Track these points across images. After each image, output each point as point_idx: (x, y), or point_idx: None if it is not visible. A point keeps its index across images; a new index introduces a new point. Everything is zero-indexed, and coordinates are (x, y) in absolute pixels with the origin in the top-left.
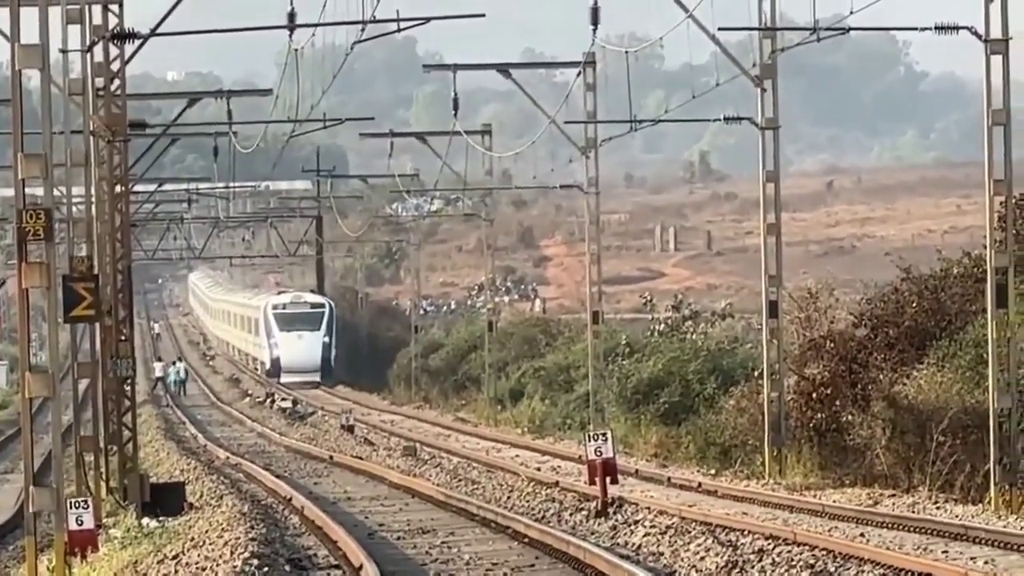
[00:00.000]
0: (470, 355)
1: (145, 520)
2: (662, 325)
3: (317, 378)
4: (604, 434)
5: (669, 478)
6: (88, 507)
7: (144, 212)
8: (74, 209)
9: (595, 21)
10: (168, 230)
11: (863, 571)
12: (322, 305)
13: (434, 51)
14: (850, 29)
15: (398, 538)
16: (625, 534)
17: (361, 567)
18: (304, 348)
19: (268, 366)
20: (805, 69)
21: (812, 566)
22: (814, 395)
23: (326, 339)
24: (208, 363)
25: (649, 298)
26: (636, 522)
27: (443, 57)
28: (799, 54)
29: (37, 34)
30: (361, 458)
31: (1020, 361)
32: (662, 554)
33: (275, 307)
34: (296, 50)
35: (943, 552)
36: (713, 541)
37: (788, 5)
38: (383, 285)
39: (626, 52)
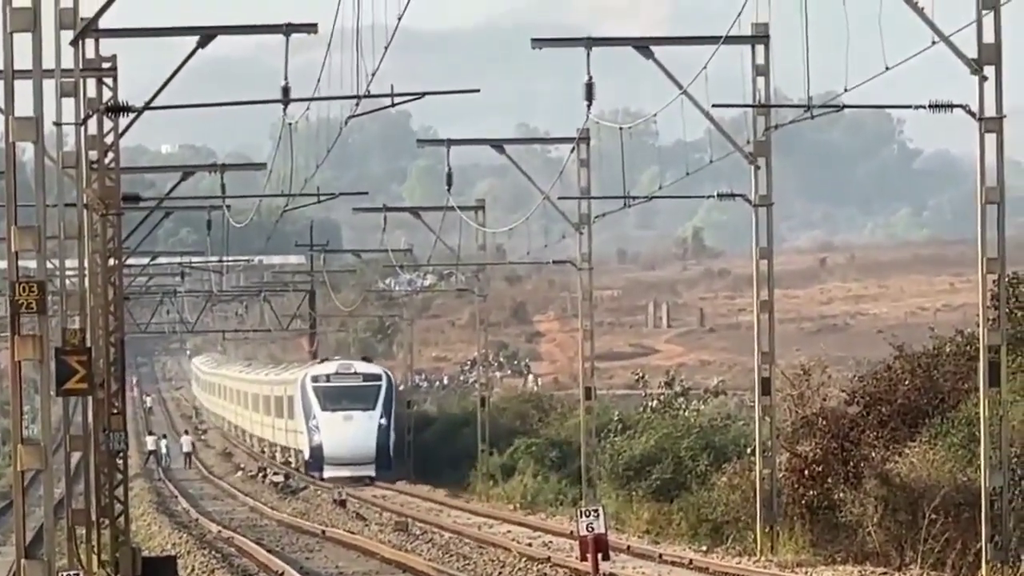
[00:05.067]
0: (463, 430)
1: None
2: (654, 401)
3: (371, 472)
4: (596, 510)
5: (661, 555)
6: None
7: (137, 285)
8: (67, 282)
9: (589, 97)
10: (161, 303)
11: None
12: (377, 376)
13: (428, 126)
14: (844, 107)
15: None
16: None
17: None
18: (354, 433)
19: (307, 456)
20: (799, 146)
21: None
22: (806, 472)
23: (383, 421)
24: (200, 437)
25: (641, 374)
26: None
27: (437, 132)
28: (793, 131)
29: (31, 107)
30: (353, 532)
31: (1012, 439)
32: None
33: (315, 379)
34: (290, 124)
35: None
36: None
37: (782, 82)
38: (376, 359)
39: (620, 128)
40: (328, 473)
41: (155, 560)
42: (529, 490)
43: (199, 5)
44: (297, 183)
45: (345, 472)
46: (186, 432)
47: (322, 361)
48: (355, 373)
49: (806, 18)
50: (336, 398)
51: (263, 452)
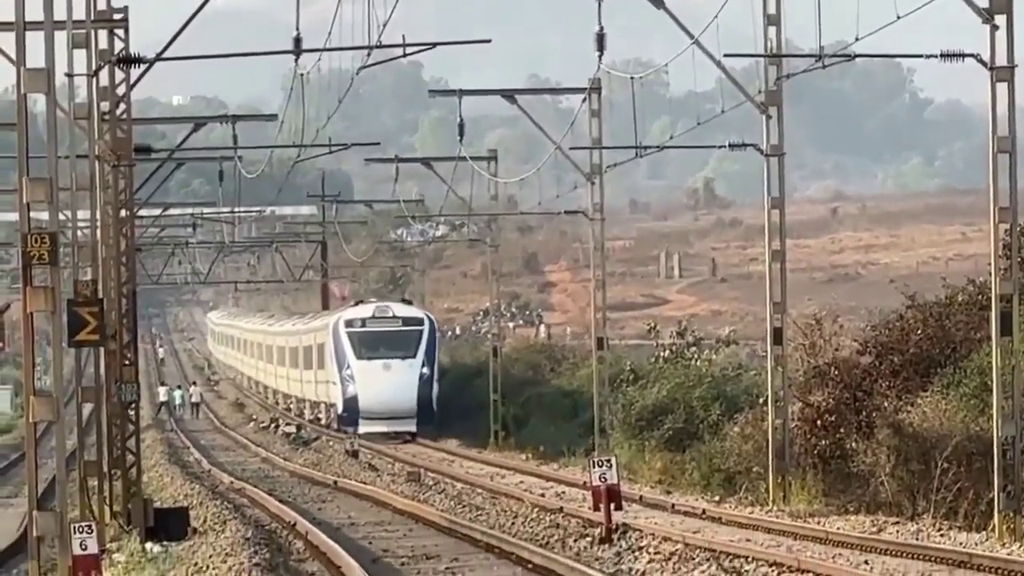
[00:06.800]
0: (475, 380)
1: (149, 545)
2: (666, 351)
3: (412, 427)
4: (608, 460)
5: (673, 504)
6: (92, 532)
7: (149, 237)
8: (79, 233)
9: (600, 47)
10: (173, 254)
11: None
12: (419, 320)
13: (439, 76)
14: (855, 56)
15: (402, 564)
16: (629, 561)
17: None
18: (393, 383)
19: (340, 410)
20: (810, 95)
21: None
22: (818, 422)
23: (425, 370)
24: (213, 388)
25: (653, 324)
26: (640, 548)
27: (448, 82)
28: (804, 80)
29: (43, 58)
30: (365, 483)
31: None
32: None
33: (349, 324)
34: (302, 75)
35: None
36: (717, 568)
37: (793, 32)
38: None
39: (631, 78)
40: (364, 428)
41: (167, 511)
42: (541, 440)
43: None
44: (309, 134)
45: (383, 427)
46: (194, 383)
47: (356, 303)
48: (393, 317)
49: None
50: (373, 345)
51: (289, 409)
